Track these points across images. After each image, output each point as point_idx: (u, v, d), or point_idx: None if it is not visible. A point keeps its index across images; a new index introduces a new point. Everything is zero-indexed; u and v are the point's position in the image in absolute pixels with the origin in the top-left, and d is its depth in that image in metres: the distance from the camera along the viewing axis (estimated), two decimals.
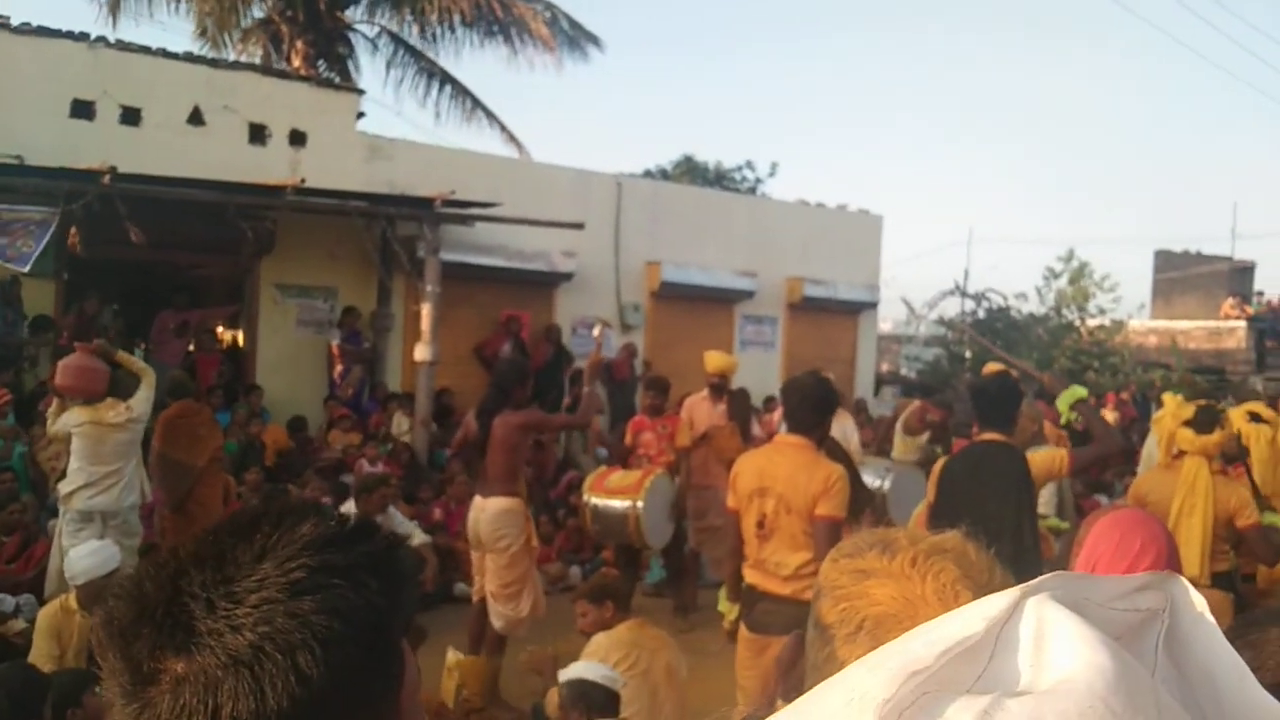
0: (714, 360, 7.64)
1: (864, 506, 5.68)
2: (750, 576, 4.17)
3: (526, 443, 5.76)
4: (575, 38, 14.35)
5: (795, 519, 4.00)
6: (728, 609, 4.42)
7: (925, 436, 8.08)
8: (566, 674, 3.83)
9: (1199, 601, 0.62)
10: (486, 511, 5.51)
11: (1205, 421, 4.55)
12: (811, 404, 4.16)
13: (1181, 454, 4.61)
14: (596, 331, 6.47)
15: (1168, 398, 4.91)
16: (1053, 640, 0.54)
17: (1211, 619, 0.61)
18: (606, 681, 3.72)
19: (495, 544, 5.47)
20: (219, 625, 0.77)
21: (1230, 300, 22.07)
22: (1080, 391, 4.53)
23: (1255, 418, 5.41)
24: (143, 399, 6.06)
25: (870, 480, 6.70)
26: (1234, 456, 5.41)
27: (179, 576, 0.80)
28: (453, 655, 5.27)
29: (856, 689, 0.54)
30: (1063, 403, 4.53)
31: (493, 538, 5.48)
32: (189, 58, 10.39)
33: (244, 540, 0.82)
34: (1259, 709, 0.58)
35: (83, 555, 4.83)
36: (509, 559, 5.45)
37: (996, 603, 0.57)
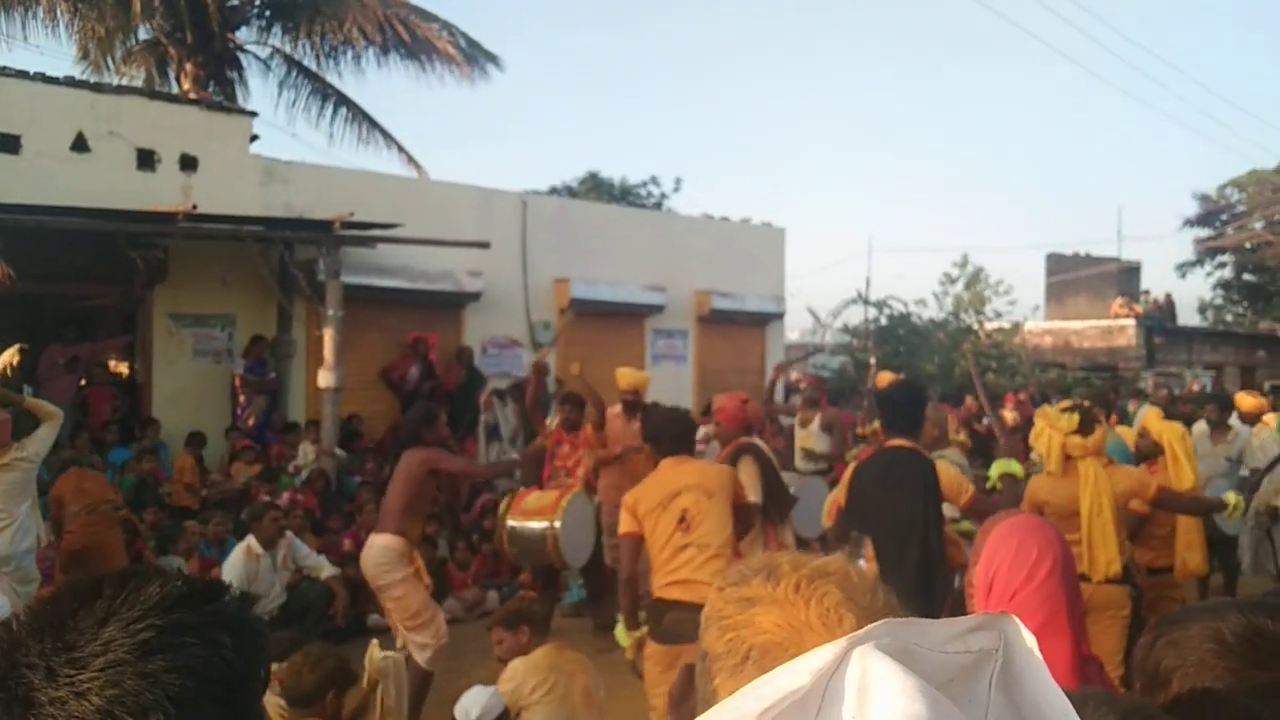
0: (625, 377, 7.63)
1: (788, 510, 5.73)
2: (662, 591, 4.24)
3: (430, 482, 5.63)
4: (474, 56, 14.25)
5: (717, 501, 4.31)
6: (627, 639, 4.44)
7: (816, 422, 8.27)
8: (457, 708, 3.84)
9: (1029, 639, 0.63)
10: (372, 548, 5.44)
11: (1086, 424, 4.71)
12: (677, 434, 4.62)
13: (1072, 459, 4.76)
14: (539, 359, 6.47)
15: (1045, 412, 5.02)
16: (875, 691, 0.55)
17: (1039, 656, 0.62)
18: (468, 716, 3.74)
19: (379, 580, 5.38)
20: (62, 693, 0.75)
21: (1119, 300, 22.97)
22: (1013, 467, 4.79)
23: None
24: (39, 439, 5.77)
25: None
26: (1150, 454, 5.60)
27: (14, 649, 0.78)
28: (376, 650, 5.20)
29: None
30: (994, 471, 4.76)
31: (375, 575, 5.39)
32: (70, 82, 10.02)
33: (85, 605, 0.80)
34: None
35: None
36: (400, 591, 5.35)
37: (823, 655, 0.57)
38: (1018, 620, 0.63)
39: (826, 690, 0.56)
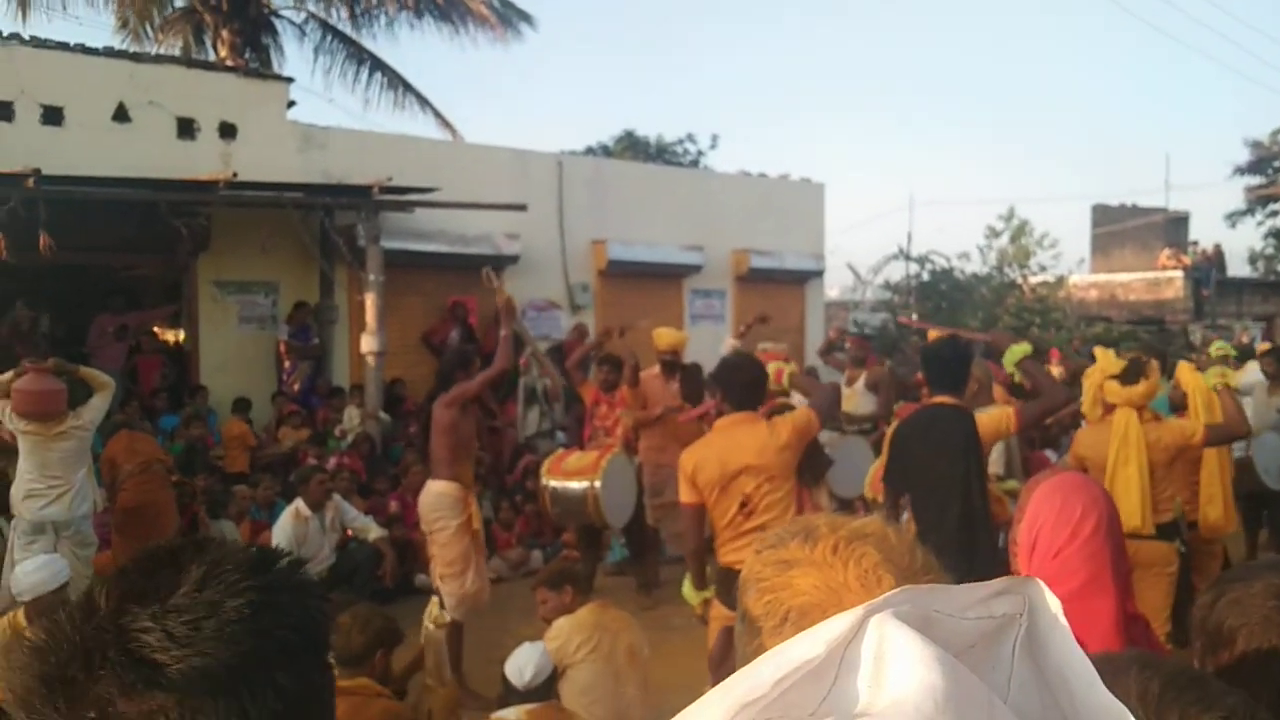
0: (663, 337, 7.64)
1: (822, 473, 5.72)
2: (729, 556, 4.16)
3: (464, 422, 5.73)
4: (507, 16, 14.17)
5: (779, 483, 4.13)
6: (694, 596, 4.43)
7: (861, 381, 8.20)
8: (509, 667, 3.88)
9: (1054, 604, 0.62)
10: (428, 494, 5.65)
11: (1131, 373, 4.65)
12: (746, 382, 4.30)
13: (1112, 408, 4.70)
14: (485, 278, 6.43)
15: (1099, 352, 5.00)
16: (891, 660, 0.54)
17: (1064, 621, 0.62)
18: (514, 675, 3.77)
19: (432, 525, 5.59)
20: (186, 652, 0.76)
21: (1166, 251, 22.51)
22: (1025, 348, 4.57)
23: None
24: (94, 407, 5.95)
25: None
26: (1181, 405, 5.53)
27: (120, 614, 0.79)
28: (432, 616, 5.37)
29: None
30: (1008, 360, 4.58)
31: (429, 519, 5.60)
32: (110, 53, 10.11)
33: (177, 571, 0.82)
34: (1103, 710, 0.59)
35: (29, 570, 4.70)
36: (445, 539, 5.53)
37: (839, 624, 0.57)
38: (1042, 585, 0.63)
39: (843, 659, 0.56)
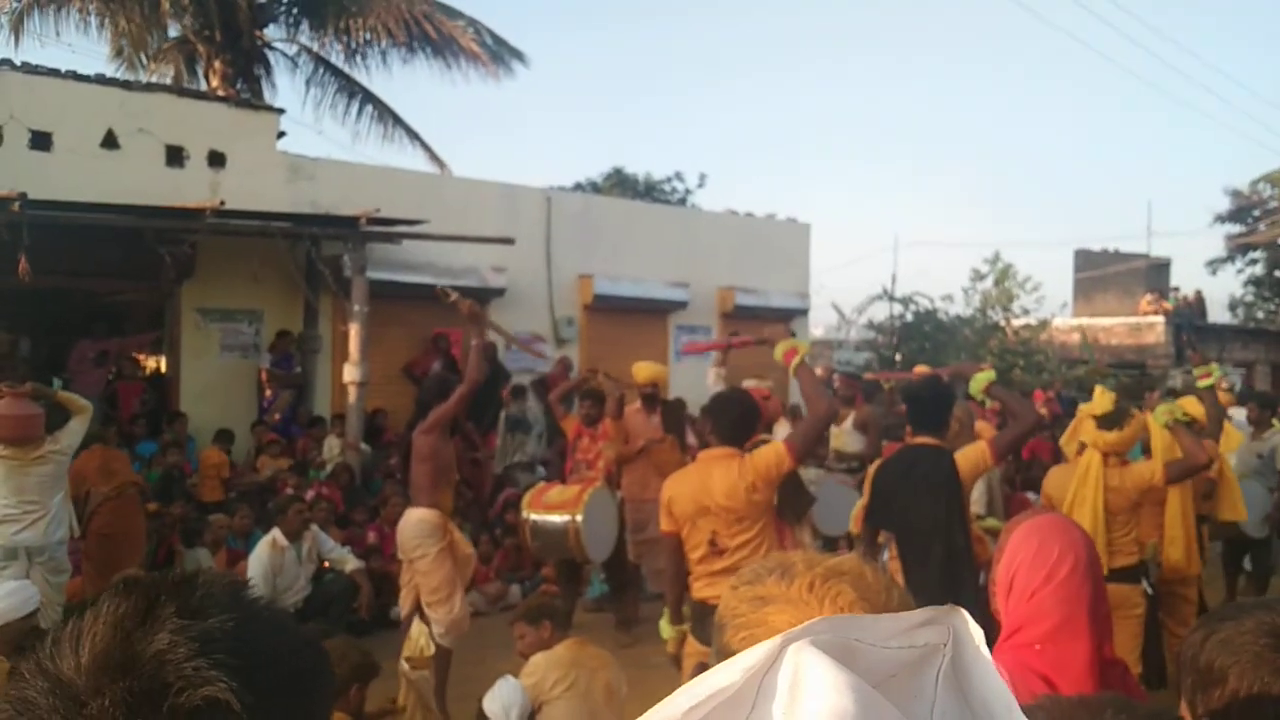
0: (643, 371, 7.63)
1: (805, 510, 5.70)
2: (702, 591, 4.14)
3: (444, 448, 5.72)
4: (499, 53, 14.29)
5: (748, 525, 4.07)
6: (671, 633, 4.40)
7: (849, 420, 8.20)
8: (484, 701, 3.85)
9: (977, 634, 0.63)
10: (408, 521, 5.64)
11: (1109, 419, 4.67)
12: (736, 417, 4.24)
13: (1084, 447, 4.73)
14: (454, 297, 6.44)
15: (1097, 392, 5.00)
16: (805, 687, 0.55)
17: (986, 652, 0.62)
18: (499, 715, 3.75)
19: (412, 553, 5.57)
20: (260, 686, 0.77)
21: (1148, 296, 22.71)
22: (988, 374, 4.58)
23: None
24: (72, 431, 5.88)
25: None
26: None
27: (172, 649, 0.76)
28: (409, 653, 5.33)
29: None
30: (974, 388, 4.58)
31: (409, 547, 5.59)
32: (101, 80, 10.13)
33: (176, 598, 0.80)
34: None
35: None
36: (427, 565, 5.52)
37: (758, 652, 0.57)
38: (966, 615, 0.64)
39: (760, 687, 0.56)
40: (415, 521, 5.58)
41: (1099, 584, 2.17)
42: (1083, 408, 4.96)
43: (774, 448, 4.15)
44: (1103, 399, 4.83)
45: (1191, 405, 5.58)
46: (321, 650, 0.89)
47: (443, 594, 5.52)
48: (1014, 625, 2.12)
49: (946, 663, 0.62)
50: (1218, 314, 26.45)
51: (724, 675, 0.57)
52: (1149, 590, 4.66)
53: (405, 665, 5.34)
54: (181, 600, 0.78)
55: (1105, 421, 4.66)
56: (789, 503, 5.34)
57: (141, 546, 6.62)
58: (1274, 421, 7.88)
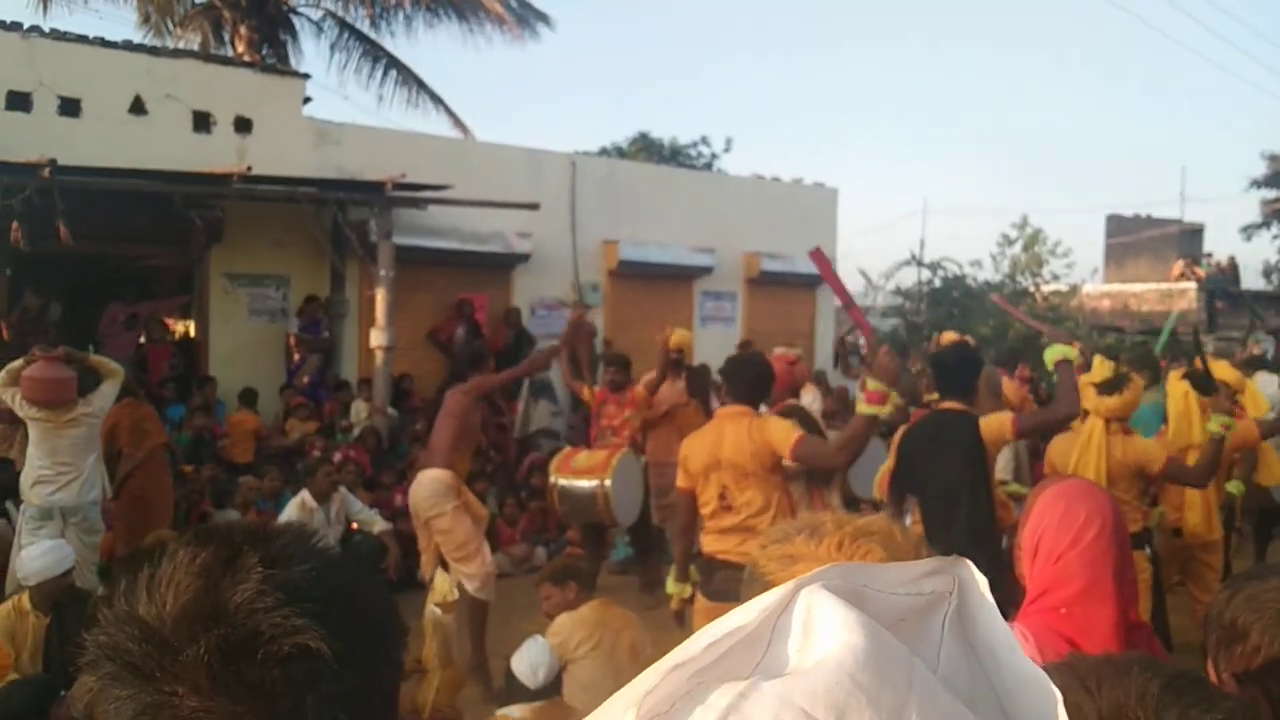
0: (672, 336, 7.64)
1: (833, 474, 5.70)
2: (710, 545, 4.24)
3: (475, 412, 5.78)
4: (524, 16, 14.21)
5: (754, 481, 4.14)
6: (677, 589, 4.47)
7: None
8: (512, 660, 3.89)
9: (982, 582, 0.65)
10: (421, 483, 5.64)
11: (1109, 385, 4.66)
12: (752, 378, 4.35)
13: (1087, 415, 4.71)
14: (575, 315, 6.50)
15: (1097, 361, 5.00)
16: (818, 626, 0.57)
17: (991, 599, 0.65)
18: (528, 674, 3.79)
19: (429, 513, 5.58)
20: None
21: (1180, 262, 22.40)
22: (1068, 351, 4.53)
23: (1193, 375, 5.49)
24: (104, 394, 5.96)
25: None
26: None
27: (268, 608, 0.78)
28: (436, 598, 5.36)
29: (632, 688, 0.57)
30: (1049, 356, 4.56)
31: (425, 507, 5.60)
32: (128, 46, 10.17)
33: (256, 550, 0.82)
34: (1025, 677, 0.62)
35: (35, 555, 4.73)
36: (447, 524, 5.54)
37: (773, 595, 0.60)
38: (971, 565, 0.66)
39: (775, 628, 0.58)
40: (429, 481, 5.59)
41: (1125, 548, 2.16)
42: (1083, 378, 4.94)
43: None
44: (1101, 367, 4.89)
45: (1224, 370, 5.53)
46: (392, 598, 0.90)
47: (470, 548, 5.56)
48: (1040, 589, 2.11)
49: (952, 609, 0.65)
50: (1252, 280, 26.04)
51: (740, 616, 0.59)
52: (1152, 557, 4.66)
53: (435, 610, 5.37)
54: (264, 549, 0.79)
55: (1105, 388, 4.68)
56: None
57: (170, 507, 6.72)
58: None
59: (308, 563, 0.80)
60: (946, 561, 0.65)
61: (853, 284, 21.67)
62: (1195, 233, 25.22)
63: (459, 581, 5.48)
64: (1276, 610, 1.20)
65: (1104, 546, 2.09)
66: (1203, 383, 5.06)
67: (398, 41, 14.29)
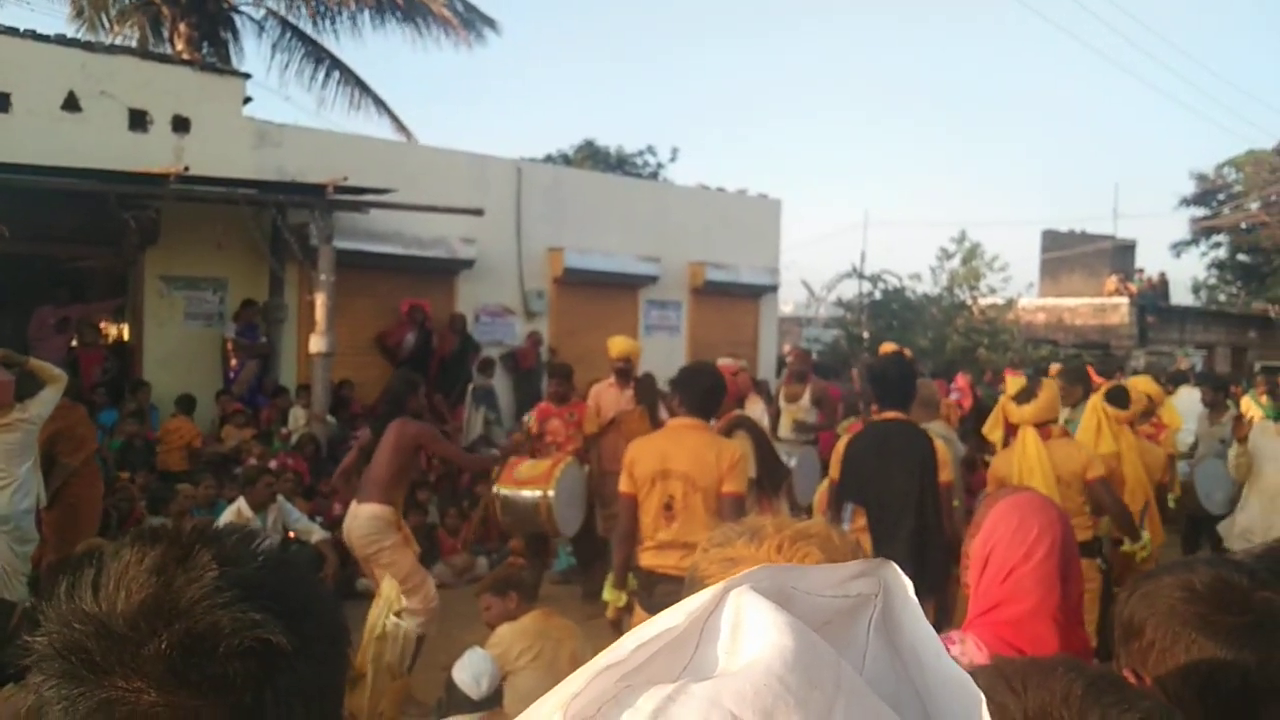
0: (617, 345, 7.63)
1: (781, 482, 5.75)
2: (649, 559, 4.20)
3: (417, 457, 5.69)
4: (471, 20, 14.14)
5: (702, 497, 4.11)
6: (613, 596, 4.44)
7: (806, 396, 8.31)
8: (454, 671, 3.85)
9: (907, 585, 0.66)
10: (358, 518, 5.42)
11: (1023, 393, 4.79)
12: (705, 389, 4.31)
13: (1015, 429, 4.82)
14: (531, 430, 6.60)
15: (1009, 377, 5.15)
16: (746, 628, 0.58)
17: (916, 602, 0.66)
18: (471, 685, 3.75)
19: (367, 549, 5.38)
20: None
21: (1113, 278, 22.98)
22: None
23: (1114, 392, 5.68)
24: (43, 400, 5.72)
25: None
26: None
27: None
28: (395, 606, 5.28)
29: (560, 689, 0.57)
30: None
31: (364, 545, 5.38)
32: (62, 40, 9.91)
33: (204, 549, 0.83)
34: (949, 679, 0.64)
35: None
36: (390, 557, 5.36)
37: (702, 597, 0.60)
38: (896, 567, 0.67)
39: (704, 630, 0.59)
40: (366, 518, 5.37)
41: (1074, 565, 2.18)
42: (1001, 398, 5.10)
43: (744, 471, 4.32)
44: (1014, 382, 5.05)
45: (1145, 384, 5.70)
46: (336, 598, 0.92)
47: (415, 579, 5.39)
48: (991, 602, 2.12)
49: (878, 613, 0.66)
50: (1181, 296, 26.85)
51: (669, 618, 0.59)
52: (1103, 566, 4.74)
53: (395, 620, 5.27)
54: (216, 548, 0.80)
55: (1020, 397, 4.79)
56: (767, 474, 5.39)
57: (99, 515, 6.53)
58: (1228, 403, 8.04)
59: (257, 560, 0.82)
60: (872, 564, 0.66)
61: (796, 295, 21.89)
62: (1127, 249, 25.90)
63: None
64: (1168, 606, 1.25)
65: (1055, 564, 2.11)
66: (1118, 396, 5.25)
67: (342, 43, 14.16)
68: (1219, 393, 8.08)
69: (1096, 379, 9.30)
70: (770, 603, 0.58)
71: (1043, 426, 4.72)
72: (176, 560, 0.78)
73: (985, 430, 5.52)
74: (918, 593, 0.68)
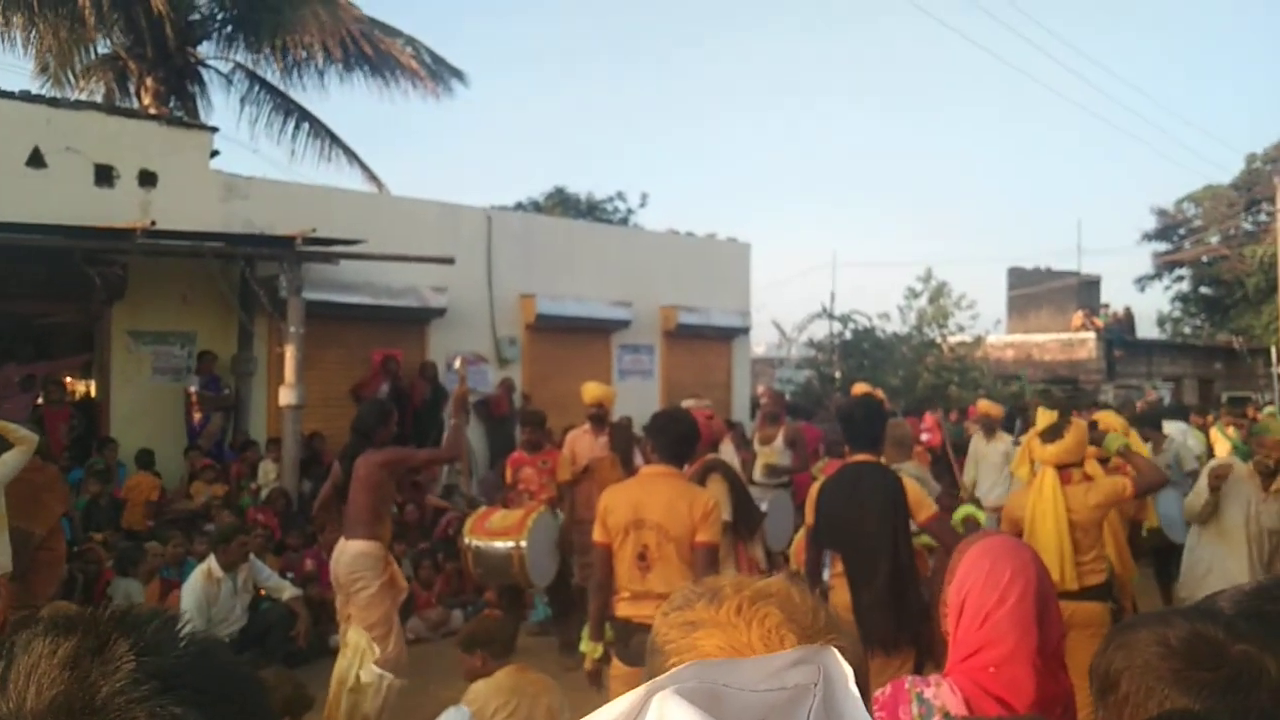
0: (591, 391, 7.61)
1: (757, 525, 5.73)
2: (625, 610, 4.15)
3: (390, 483, 5.61)
4: (439, 72, 14.23)
5: (676, 547, 4.05)
6: (590, 648, 4.38)
7: (780, 438, 8.32)
8: None
9: (848, 672, 0.64)
10: (345, 554, 5.39)
11: (1050, 432, 4.74)
12: (678, 435, 4.26)
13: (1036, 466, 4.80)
14: (457, 364, 6.35)
15: (1041, 412, 5.07)
16: None
17: (855, 690, 0.65)
18: None
19: (352, 586, 5.34)
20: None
21: (1079, 313, 23.27)
22: (978, 514, 4.76)
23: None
24: (4, 462, 5.57)
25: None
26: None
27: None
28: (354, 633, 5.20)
29: None
30: (956, 516, 4.74)
31: (349, 580, 5.34)
32: (26, 97, 9.88)
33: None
34: None
35: None
36: (367, 599, 5.32)
37: (623, 703, 0.57)
38: (837, 653, 0.64)
39: None
40: (355, 555, 5.33)
41: (1050, 605, 2.18)
42: (1030, 433, 5.05)
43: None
44: (1044, 416, 4.93)
45: (1110, 419, 5.71)
46: (262, 684, 0.88)
47: (381, 630, 5.33)
48: (970, 648, 2.11)
49: (817, 703, 0.63)
50: (1147, 330, 27.24)
51: None
52: (1114, 607, 4.71)
53: (375, 671, 5.15)
54: (134, 637, 0.76)
55: (1047, 435, 4.72)
56: (742, 519, 5.37)
57: (59, 576, 6.39)
58: (1165, 433, 8.10)
59: (178, 649, 0.78)
60: (811, 651, 0.64)
61: (768, 336, 21.98)
62: (1093, 284, 26.26)
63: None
64: (1144, 660, 1.24)
65: (1030, 606, 2.11)
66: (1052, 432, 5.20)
67: (310, 94, 14.17)
68: (1147, 427, 8.02)
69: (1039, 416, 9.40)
70: (695, 709, 0.55)
71: (1065, 469, 4.62)
72: (91, 652, 0.74)
73: (1013, 467, 5.46)
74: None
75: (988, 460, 8.73)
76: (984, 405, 9.12)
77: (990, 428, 8.82)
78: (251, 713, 0.82)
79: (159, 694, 0.73)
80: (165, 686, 0.74)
